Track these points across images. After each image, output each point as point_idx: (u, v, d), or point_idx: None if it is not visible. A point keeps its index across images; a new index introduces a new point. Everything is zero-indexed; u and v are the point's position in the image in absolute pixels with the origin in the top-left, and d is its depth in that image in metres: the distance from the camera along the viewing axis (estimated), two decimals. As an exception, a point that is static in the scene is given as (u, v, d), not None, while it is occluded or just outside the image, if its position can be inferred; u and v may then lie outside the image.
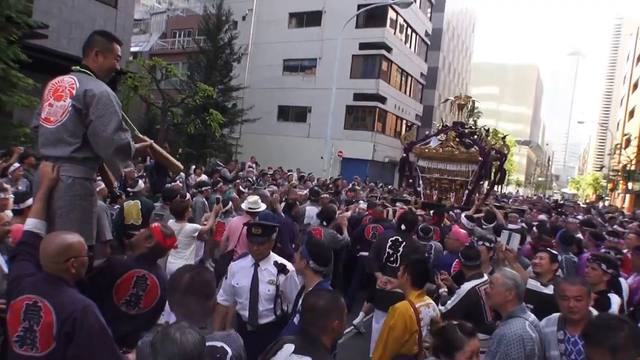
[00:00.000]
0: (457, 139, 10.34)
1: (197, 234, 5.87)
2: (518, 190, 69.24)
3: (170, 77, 19.24)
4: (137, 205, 6.85)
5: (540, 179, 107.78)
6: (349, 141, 29.75)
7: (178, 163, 3.70)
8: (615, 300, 3.82)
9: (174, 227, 5.57)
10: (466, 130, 10.60)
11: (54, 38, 13.71)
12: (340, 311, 2.28)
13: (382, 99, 31.09)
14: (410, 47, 35.63)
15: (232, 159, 25.70)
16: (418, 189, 10.91)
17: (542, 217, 10.20)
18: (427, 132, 12.08)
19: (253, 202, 6.19)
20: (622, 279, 4.47)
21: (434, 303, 3.62)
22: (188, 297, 2.03)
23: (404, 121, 35.38)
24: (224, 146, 25.51)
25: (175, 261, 5.61)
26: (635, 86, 47.29)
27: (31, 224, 2.60)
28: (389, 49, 30.92)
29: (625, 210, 30.99)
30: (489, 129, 11.14)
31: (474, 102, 11.50)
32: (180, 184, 10.34)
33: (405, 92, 35.65)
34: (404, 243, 5.47)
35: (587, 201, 52.04)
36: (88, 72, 2.81)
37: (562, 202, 24.36)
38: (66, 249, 2.31)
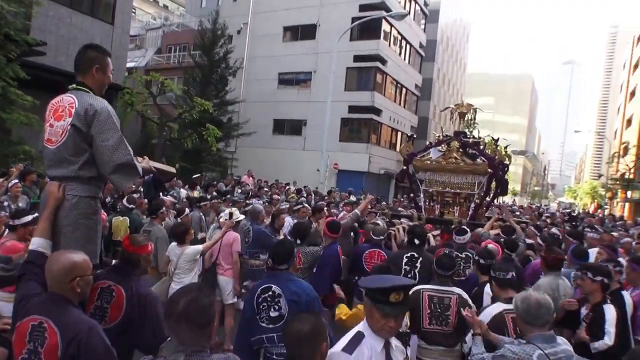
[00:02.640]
0: (461, 150, 9.81)
1: (199, 256, 5.57)
2: (514, 200, 69.31)
3: (167, 92, 19.37)
4: (125, 222, 6.74)
5: (536, 188, 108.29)
6: (344, 153, 29.88)
7: (171, 168, 3.81)
8: (609, 311, 3.85)
9: (175, 251, 5.45)
10: (470, 140, 10.09)
11: (51, 55, 13.84)
12: (324, 331, 2.24)
13: (377, 111, 31.29)
14: (404, 58, 35.93)
15: (228, 173, 25.82)
16: (419, 203, 10.24)
17: (555, 230, 9.51)
18: (428, 143, 11.60)
19: (228, 213, 6.11)
20: (625, 292, 4.42)
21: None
22: (182, 325, 1.91)
23: (399, 133, 35.56)
24: (219, 160, 25.60)
25: (177, 287, 4.98)
26: (632, 94, 47.59)
27: (37, 243, 2.58)
28: (383, 61, 31.17)
29: (626, 219, 31.12)
30: (498, 138, 10.39)
31: (475, 110, 10.92)
32: (174, 199, 10.33)
33: (400, 104, 35.86)
34: (421, 259, 5.11)
35: (586, 210, 52.12)
36: (85, 89, 2.79)
37: (575, 214, 21.31)
38: (72, 268, 2.29)
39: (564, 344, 2.80)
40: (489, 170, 9.26)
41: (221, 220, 6.31)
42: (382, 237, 5.83)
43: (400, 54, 34.89)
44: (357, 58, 30.46)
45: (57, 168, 2.73)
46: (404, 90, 36.37)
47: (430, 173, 9.95)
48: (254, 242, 6.49)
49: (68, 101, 2.73)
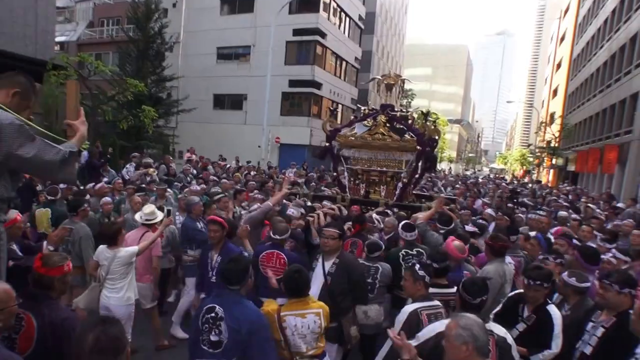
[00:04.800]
0: (388, 125, 8.95)
1: (134, 259, 4.92)
2: (450, 167, 72.13)
3: (99, 72, 18.63)
4: (47, 214, 6.36)
5: (470, 155, 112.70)
6: (286, 127, 30.11)
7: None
8: (556, 313, 3.62)
9: (106, 254, 4.82)
10: (397, 114, 9.22)
11: (-34, 30, 13.00)
12: None
13: (318, 85, 31.49)
14: (344, 31, 36.12)
15: (170, 150, 25.37)
16: (343, 181, 9.36)
17: (490, 211, 9.04)
18: (352, 117, 10.63)
19: (149, 212, 5.69)
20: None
21: (318, 312, 3.52)
22: (95, 359, 1.84)
23: (340, 106, 36.00)
24: (159, 137, 25.10)
25: (111, 295, 4.75)
26: (559, 66, 50.01)
27: None
28: (323, 35, 31.26)
29: (550, 184, 33.22)
30: (428, 112, 9.67)
31: (403, 81, 9.95)
32: (120, 181, 10.08)
33: (340, 77, 36.22)
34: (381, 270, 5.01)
35: (516, 176, 54.96)
36: None
37: (519, 189, 18.57)
38: None
39: None
40: (418, 147, 8.57)
41: (136, 217, 5.88)
42: (283, 237, 4.96)
43: (339, 27, 35.07)
44: (296, 32, 30.36)
45: None
46: (344, 63, 36.70)
47: (355, 150, 9.14)
48: (182, 236, 6.26)
49: None
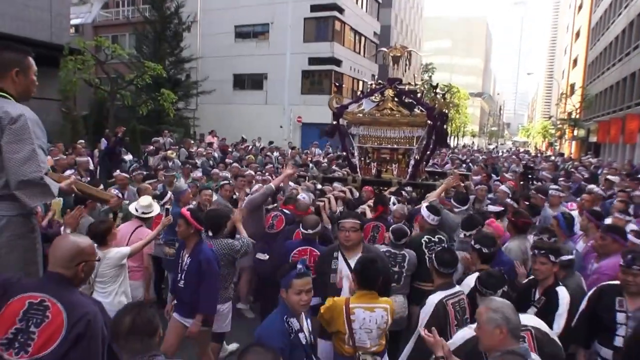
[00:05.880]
0: (396, 99, 8.58)
1: (126, 260, 4.48)
2: (473, 142, 71.12)
3: (116, 56, 18.29)
4: (59, 203, 6.02)
5: (493, 128, 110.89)
6: (307, 106, 29.57)
7: (107, 194, 3.46)
8: (563, 295, 3.49)
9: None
10: (406, 88, 8.82)
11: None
12: None
13: (338, 62, 30.90)
14: (362, 6, 35.29)
15: (190, 133, 25.13)
16: (353, 161, 9.01)
17: (504, 188, 8.29)
18: (359, 93, 10.39)
19: (146, 205, 5.21)
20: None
21: (386, 308, 3.31)
22: (132, 339, 2.01)
23: (361, 82, 35.34)
24: (180, 120, 24.83)
25: (101, 299, 4.16)
26: (578, 35, 48.51)
27: None
28: (340, 10, 30.54)
29: (572, 156, 32.39)
30: (437, 85, 9.25)
31: (410, 52, 9.48)
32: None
33: (359, 53, 35.48)
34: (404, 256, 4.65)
35: (539, 149, 53.90)
36: (4, 95, 2.51)
37: (532, 164, 15.83)
38: (79, 252, 2.25)
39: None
40: (429, 121, 8.07)
41: (130, 208, 5.39)
42: (315, 231, 4.63)
43: (357, 1, 34.20)
44: (314, 8, 29.72)
45: None
46: (363, 39, 35.92)
47: (364, 127, 8.74)
48: (169, 227, 5.50)
49: None
